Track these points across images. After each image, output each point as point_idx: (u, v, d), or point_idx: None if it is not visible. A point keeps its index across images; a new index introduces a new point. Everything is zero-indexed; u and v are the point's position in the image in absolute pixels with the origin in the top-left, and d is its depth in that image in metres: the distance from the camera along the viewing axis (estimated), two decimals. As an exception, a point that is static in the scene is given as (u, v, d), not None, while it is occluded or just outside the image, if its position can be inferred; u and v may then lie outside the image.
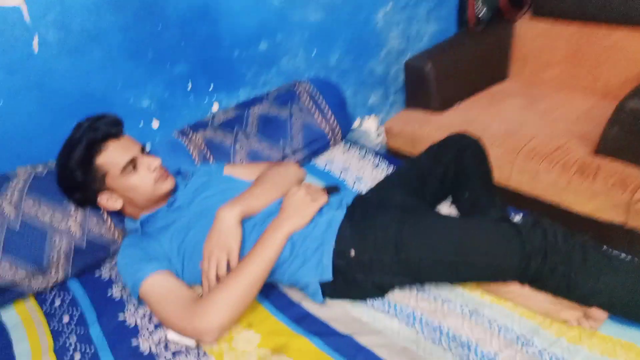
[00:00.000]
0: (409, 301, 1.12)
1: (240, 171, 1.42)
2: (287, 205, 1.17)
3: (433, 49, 2.16)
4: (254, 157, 1.60)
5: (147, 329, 1.15)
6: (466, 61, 2.13)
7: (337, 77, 2.08)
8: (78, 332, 1.17)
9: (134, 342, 1.11)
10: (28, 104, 1.40)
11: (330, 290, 1.14)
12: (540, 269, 1.01)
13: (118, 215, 1.34)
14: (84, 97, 1.49)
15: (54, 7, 1.34)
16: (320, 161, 1.73)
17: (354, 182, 1.59)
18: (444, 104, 2.09)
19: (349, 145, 1.80)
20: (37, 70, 1.38)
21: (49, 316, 1.24)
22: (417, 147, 2.02)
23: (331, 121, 1.74)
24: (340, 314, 1.12)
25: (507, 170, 1.73)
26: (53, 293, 1.32)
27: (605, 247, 1.08)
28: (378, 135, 2.30)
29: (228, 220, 1.12)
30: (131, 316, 1.19)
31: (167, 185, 1.27)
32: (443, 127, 1.89)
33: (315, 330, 1.07)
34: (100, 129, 1.21)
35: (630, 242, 1.53)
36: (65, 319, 1.22)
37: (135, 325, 1.16)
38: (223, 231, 1.12)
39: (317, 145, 1.72)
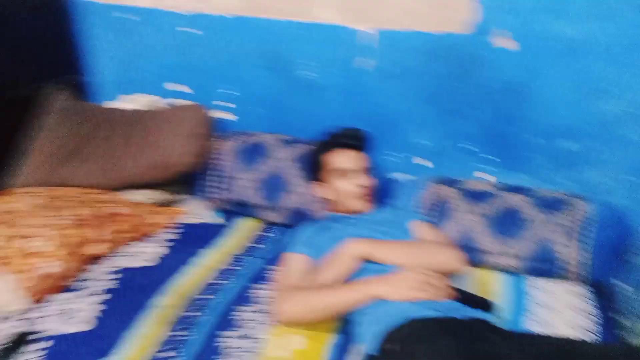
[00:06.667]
0: None
1: (421, 231, 1.46)
2: (399, 274, 1.18)
3: None
4: (462, 236, 1.55)
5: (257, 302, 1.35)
6: None
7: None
8: (243, 266, 1.51)
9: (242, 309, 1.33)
10: (338, 102, 1.85)
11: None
12: None
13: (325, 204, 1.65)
14: (377, 115, 1.82)
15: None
16: (532, 281, 1.51)
17: (534, 324, 1.33)
18: None
19: (585, 291, 1.47)
20: (356, 84, 1.80)
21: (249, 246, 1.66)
22: None
23: (580, 254, 1.46)
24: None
25: None
26: (271, 230, 1.74)
27: None
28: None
29: (346, 249, 1.28)
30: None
31: (361, 205, 1.52)
32: None
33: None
34: (342, 138, 1.57)
35: None
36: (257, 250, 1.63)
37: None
38: (338, 255, 1.27)
39: (536, 264, 1.50)
